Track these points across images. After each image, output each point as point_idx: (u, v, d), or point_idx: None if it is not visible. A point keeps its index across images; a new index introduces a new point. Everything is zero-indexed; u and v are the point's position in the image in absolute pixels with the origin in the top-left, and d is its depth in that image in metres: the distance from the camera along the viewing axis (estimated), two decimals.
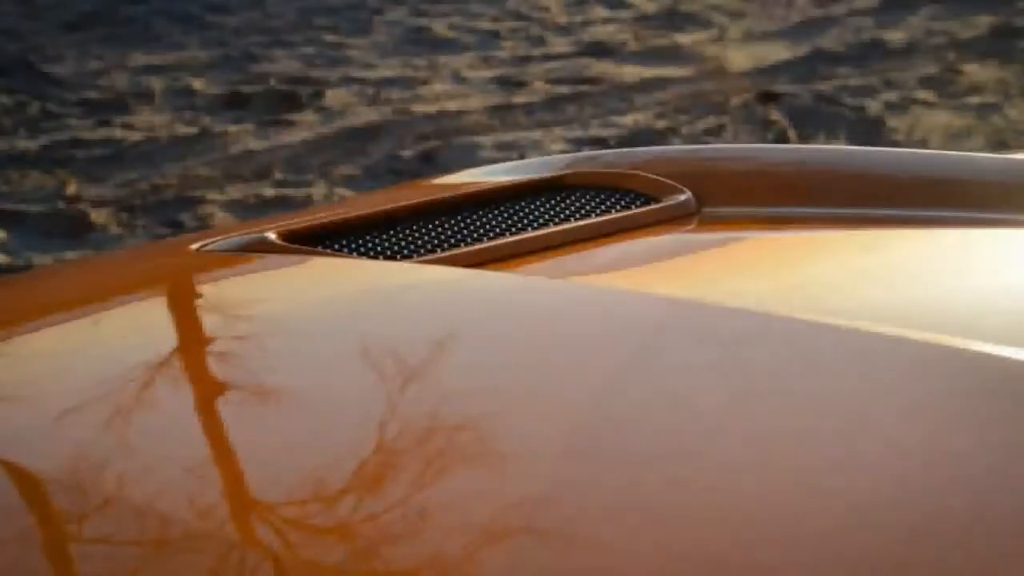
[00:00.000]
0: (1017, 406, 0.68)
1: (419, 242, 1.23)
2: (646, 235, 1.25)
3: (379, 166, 5.29)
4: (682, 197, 1.30)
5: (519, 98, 6.13)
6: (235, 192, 5.06)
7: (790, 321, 0.83)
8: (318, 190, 5.05)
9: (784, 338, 0.81)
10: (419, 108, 6.03)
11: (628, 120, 5.70)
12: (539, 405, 0.77)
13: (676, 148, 1.52)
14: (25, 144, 5.67)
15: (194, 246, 1.24)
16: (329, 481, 0.71)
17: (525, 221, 1.27)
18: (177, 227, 4.71)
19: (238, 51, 7.12)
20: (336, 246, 1.22)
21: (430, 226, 1.26)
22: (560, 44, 7.13)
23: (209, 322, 1.07)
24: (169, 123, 5.95)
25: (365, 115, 5.97)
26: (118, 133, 5.81)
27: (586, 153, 1.53)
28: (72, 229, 4.72)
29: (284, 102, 6.15)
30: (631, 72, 6.46)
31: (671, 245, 1.27)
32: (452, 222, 1.27)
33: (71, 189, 5.12)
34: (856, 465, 0.65)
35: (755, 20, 7.43)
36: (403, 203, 1.31)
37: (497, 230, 1.25)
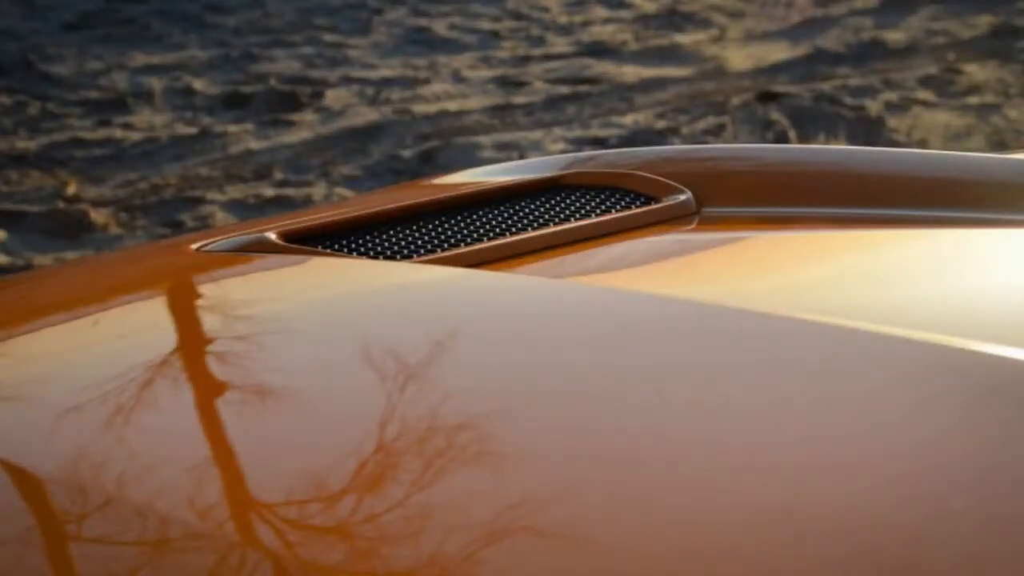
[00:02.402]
0: (1017, 406, 0.68)
1: (419, 242, 1.23)
2: (646, 235, 1.25)
3: (379, 166, 5.29)
4: (682, 197, 1.30)
5: (519, 98, 6.13)
6: (235, 192, 5.06)
7: (790, 321, 0.82)
8: (318, 190, 5.05)
9: (784, 338, 0.81)
10: (419, 108, 6.03)
11: (628, 120, 5.70)
12: (539, 405, 0.77)
13: (676, 148, 1.52)
14: (25, 144, 5.67)
15: (194, 246, 1.24)
16: (329, 481, 0.71)
17: (525, 221, 1.27)
18: (177, 227, 4.71)
19: (238, 51, 7.12)
20: (336, 246, 1.22)
21: (430, 226, 1.26)
22: (560, 44, 7.13)
23: (209, 322, 1.07)
24: (169, 123, 5.95)
25: (365, 115, 5.97)
26: (118, 133, 5.81)
27: (586, 153, 1.53)
28: (72, 229, 4.72)
29: (284, 102, 6.15)
30: (631, 72, 6.46)
31: (671, 245, 1.27)
32: (452, 222, 1.27)
33: (71, 189, 5.12)
34: (856, 465, 0.65)
35: (755, 20, 7.43)
36: (403, 203, 1.31)
37: (497, 230, 1.25)
